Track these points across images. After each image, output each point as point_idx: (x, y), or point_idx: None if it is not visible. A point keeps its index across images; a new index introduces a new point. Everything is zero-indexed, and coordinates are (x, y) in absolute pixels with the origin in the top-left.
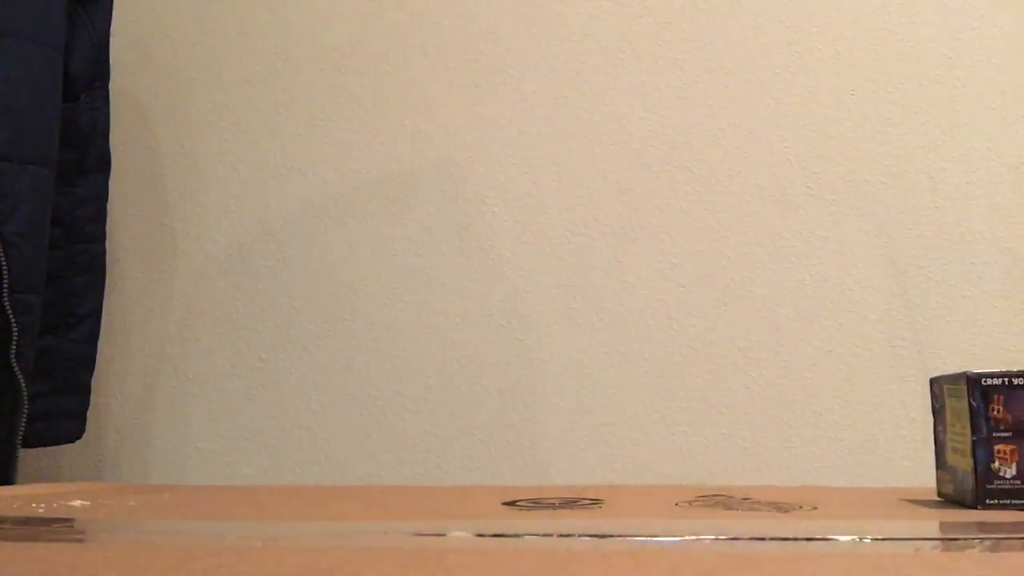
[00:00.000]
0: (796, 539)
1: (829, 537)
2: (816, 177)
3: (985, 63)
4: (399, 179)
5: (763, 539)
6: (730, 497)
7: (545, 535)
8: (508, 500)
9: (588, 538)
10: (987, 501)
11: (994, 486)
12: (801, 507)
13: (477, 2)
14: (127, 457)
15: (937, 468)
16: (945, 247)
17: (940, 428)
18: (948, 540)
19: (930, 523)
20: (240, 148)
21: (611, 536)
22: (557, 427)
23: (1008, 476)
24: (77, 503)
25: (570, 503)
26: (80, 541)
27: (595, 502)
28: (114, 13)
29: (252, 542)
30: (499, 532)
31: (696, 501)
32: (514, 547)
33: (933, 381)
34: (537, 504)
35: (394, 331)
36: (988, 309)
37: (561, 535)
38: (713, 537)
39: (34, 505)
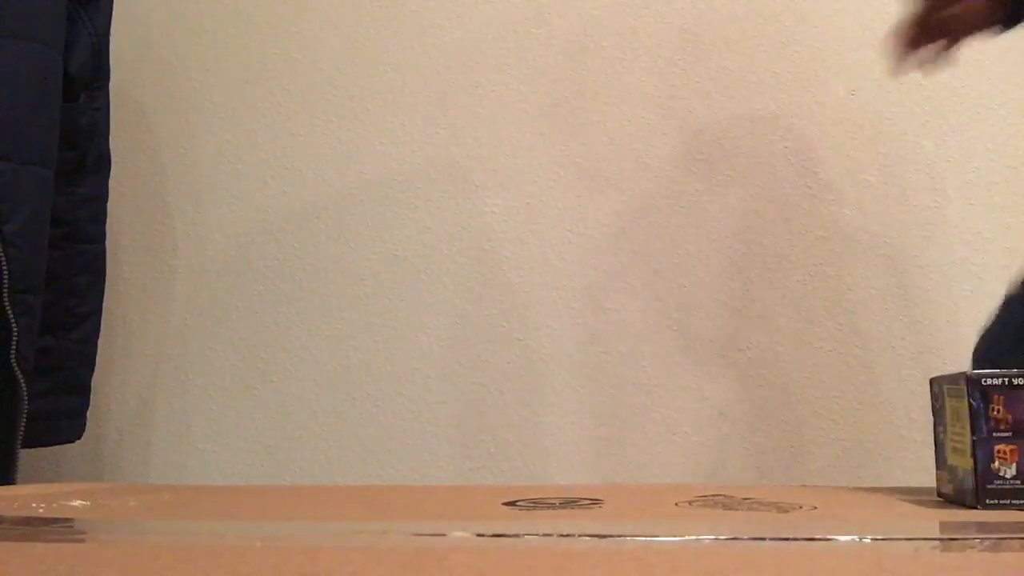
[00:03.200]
0: (796, 539)
1: (829, 537)
2: (816, 177)
3: (985, 63)
4: (399, 179)
5: (763, 539)
6: (730, 497)
7: (545, 535)
8: (508, 500)
9: (588, 538)
10: (987, 501)
11: (994, 486)
12: (801, 507)
13: (477, 2)
14: (127, 457)
15: (937, 468)
16: (945, 246)
17: (940, 428)
18: (948, 540)
19: (930, 523)
20: (240, 148)
21: (611, 536)
22: (557, 427)
23: (1008, 476)
24: (77, 503)
25: (570, 503)
26: (80, 541)
27: (595, 502)
28: (114, 13)
29: (252, 542)
30: (499, 532)
31: (696, 501)
32: (514, 547)
33: (933, 381)
34: (537, 504)
35: (394, 331)
36: (988, 309)
37: (561, 535)
38: (713, 537)
39: (34, 505)
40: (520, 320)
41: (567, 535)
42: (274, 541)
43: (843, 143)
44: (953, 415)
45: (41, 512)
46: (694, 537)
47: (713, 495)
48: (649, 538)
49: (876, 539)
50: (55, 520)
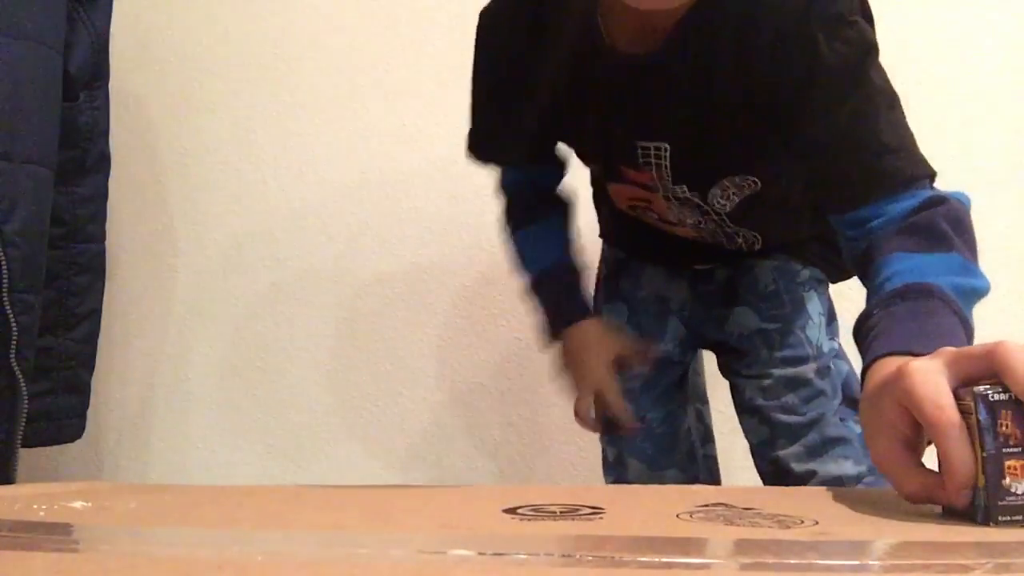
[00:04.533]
0: (798, 563)
1: (832, 562)
2: None
3: (985, 62)
4: (399, 179)
5: (765, 563)
6: (731, 507)
7: (547, 555)
8: (509, 507)
9: (590, 557)
10: (1000, 518)
11: (1006, 503)
12: (803, 521)
13: (477, 2)
14: (127, 457)
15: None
16: None
17: None
18: (956, 564)
19: (937, 544)
20: (240, 148)
21: (611, 557)
22: (557, 427)
23: (1020, 492)
24: (78, 504)
25: (571, 511)
26: (77, 551)
27: (596, 512)
28: (114, 13)
29: (253, 556)
30: (500, 551)
31: (697, 512)
32: (516, 568)
33: None
34: (538, 512)
35: (394, 331)
36: (988, 310)
37: (563, 555)
38: (713, 561)
39: (35, 507)
40: (520, 320)
41: (567, 555)
42: (275, 555)
43: None
44: None
45: (42, 516)
46: (698, 560)
47: (714, 504)
48: (650, 558)
49: (882, 563)
50: (54, 526)
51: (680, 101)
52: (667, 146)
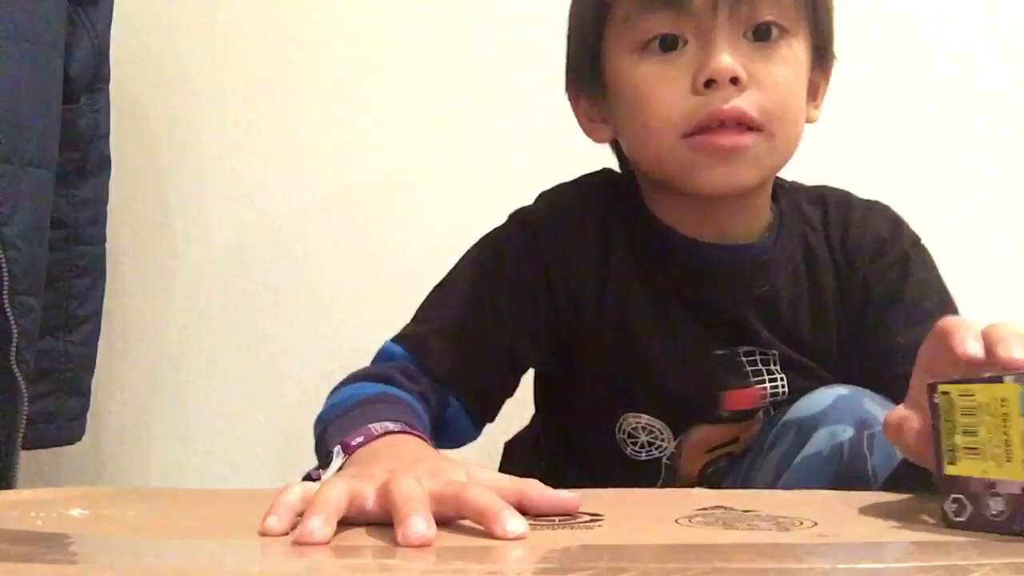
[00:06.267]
0: (799, 568)
1: (832, 564)
2: (815, 178)
3: (984, 62)
4: (400, 179)
5: (767, 570)
6: (730, 510)
7: (546, 567)
8: None
9: (591, 569)
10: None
11: None
12: (801, 523)
13: (478, 4)
14: (127, 458)
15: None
16: (944, 248)
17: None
18: (955, 565)
19: (937, 544)
20: (240, 149)
21: (609, 569)
22: None
23: None
24: (76, 512)
25: (569, 519)
26: (74, 563)
27: (595, 519)
28: (114, 14)
29: (250, 567)
30: (498, 564)
31: (696, 516)
32: None
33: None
34: (536, 522)
35: (395, 332)
36: (988, 312)
37: (563, 567)
38: (711, 566)
39: (32, 515)
40: None
41: (567, 568)
42: (272, 564)
43: (841, 143)
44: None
45: (39, 525)
46: (699, 564)
47: (713, 507)
48: (648, 564)
49: (881, 564)
50: (51, 536)
51: (783, 296)
52: (775, 352)
